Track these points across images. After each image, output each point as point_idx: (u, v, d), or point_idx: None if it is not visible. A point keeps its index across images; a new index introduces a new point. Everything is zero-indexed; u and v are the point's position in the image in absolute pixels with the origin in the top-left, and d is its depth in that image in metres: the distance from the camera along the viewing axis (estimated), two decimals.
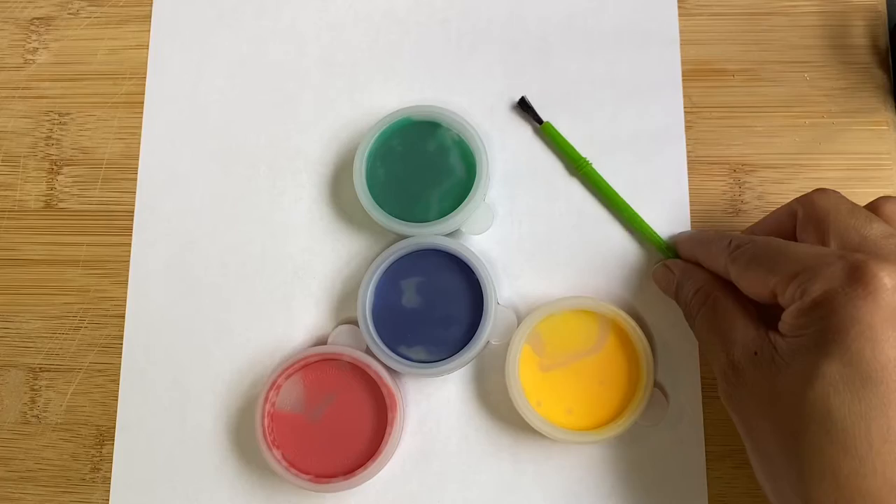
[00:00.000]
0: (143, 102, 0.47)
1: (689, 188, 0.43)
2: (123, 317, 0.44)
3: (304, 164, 0.45)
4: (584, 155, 0.43)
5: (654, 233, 0.42)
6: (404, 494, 0.41)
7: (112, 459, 0.43)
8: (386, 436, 0.39)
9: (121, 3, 0.49)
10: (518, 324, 0.41)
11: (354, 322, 0.42)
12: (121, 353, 0.44)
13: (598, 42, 0.45)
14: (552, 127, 0.44)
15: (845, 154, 0.44)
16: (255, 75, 0.47)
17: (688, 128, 0.44)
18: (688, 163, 0.44)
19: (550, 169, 0.44)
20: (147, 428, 0.43)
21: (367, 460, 0.39)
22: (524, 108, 0.44)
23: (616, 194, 0.43)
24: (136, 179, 0.46)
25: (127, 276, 0.45)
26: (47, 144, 0.47)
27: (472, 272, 0.40)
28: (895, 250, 0.31)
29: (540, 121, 0.44)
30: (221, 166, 0.46)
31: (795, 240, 0.35)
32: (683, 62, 0.45)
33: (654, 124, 0.44)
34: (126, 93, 0.47)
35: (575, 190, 0.44)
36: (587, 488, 0.41)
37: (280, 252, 0.44)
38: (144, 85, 0.47)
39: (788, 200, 0.43)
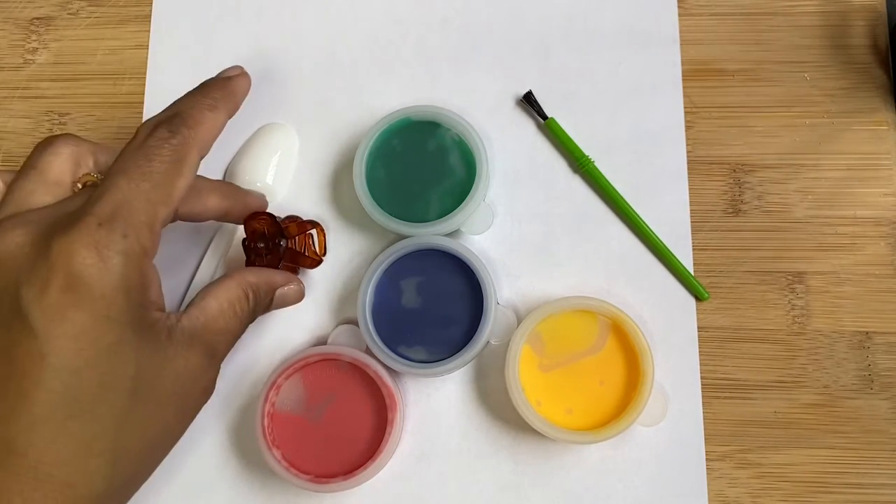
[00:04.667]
0: (143, 102, 0.47)
1: (689, 188, 0.43)
2: None
3: (303, 164, 0.45)
4: (585, 154, 0.43)
5: (655, 235, 0.43)
6: (404, 494, 0.41)
7: None
8: (386, 436, 0.39)
9: (121, 3, 0.49)
10: (518, 324, 0.41)
11: (354, 322, 0.42)
12: None
13: (598, 42, 0.45)
14: (556, 123, 0.44)
15: (845, 154, 0.44)
16: (254, 75, 0.47)
17: (688, 128, 0.44)
18: (688, 163, 0.44)
19: (551, 168, 0.44)
20: None
21: (367, 460, 0.39)
22: (529, 102, 0.44)
23: (617, 193, 0.43)
24: None
25: None
26: None
27: (472, 272, 0.40)
28: None
29: (544, 116, 0.44)
30: (221, 166, 0.46)
31: None
32: (683, 62, 0.45)
33: (654, 124, 0.44)
34: (126, 93, 0.47)
35: (575, 189, 0.44)
36: (587, 488, 0.41)
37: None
38: (144, 85, 0.47)
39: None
